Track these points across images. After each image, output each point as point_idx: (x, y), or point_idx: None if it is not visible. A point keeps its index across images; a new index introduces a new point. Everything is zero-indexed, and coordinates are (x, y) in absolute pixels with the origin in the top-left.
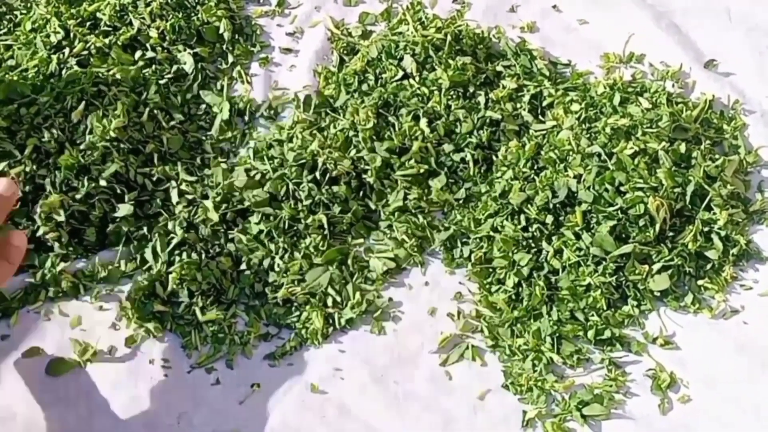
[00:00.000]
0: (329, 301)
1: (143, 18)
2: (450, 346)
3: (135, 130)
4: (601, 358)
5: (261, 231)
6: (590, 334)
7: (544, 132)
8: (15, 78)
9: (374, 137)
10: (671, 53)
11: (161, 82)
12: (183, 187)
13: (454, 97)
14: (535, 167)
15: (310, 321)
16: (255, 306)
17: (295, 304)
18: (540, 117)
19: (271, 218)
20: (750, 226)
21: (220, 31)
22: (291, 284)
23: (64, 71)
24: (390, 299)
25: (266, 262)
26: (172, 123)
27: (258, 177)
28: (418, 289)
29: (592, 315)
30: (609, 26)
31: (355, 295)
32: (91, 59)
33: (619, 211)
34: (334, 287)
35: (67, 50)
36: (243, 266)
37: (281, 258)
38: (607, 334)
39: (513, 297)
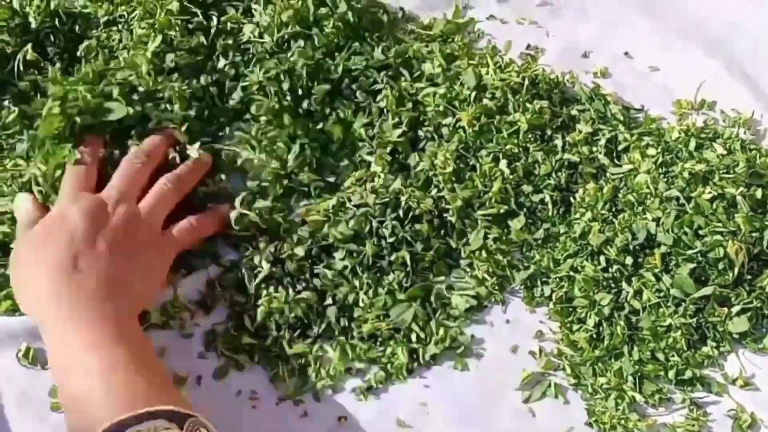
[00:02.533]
0: (413, 337)
1: None
2: (532, 384)
3: None
4: (682, 398)
5: (345, 267)
6: (671, 374)
7: (621, 175)
8: None
9: (454, 178)
10: (742, 101)
11: None
12: None
13: (532, 139)
14: (613, 209)
15: (395, 356)
16: (341, 340)
17: (380, 339)
18: (616, 160)
19: (356, 254)
20: None
21: None
22: (376, 319)
23: None
24: (472, 336)
25: (351, 298)
26: None
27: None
28: (499, 326)
29: (673, 355)
30: (680, 73)
31: (439, 331)
32: None
33: (698, 254)
34: (418, 323)
35: None
36: (328, 301)
37: (365, 293)
38: (688, 374)
39: (594, 336)
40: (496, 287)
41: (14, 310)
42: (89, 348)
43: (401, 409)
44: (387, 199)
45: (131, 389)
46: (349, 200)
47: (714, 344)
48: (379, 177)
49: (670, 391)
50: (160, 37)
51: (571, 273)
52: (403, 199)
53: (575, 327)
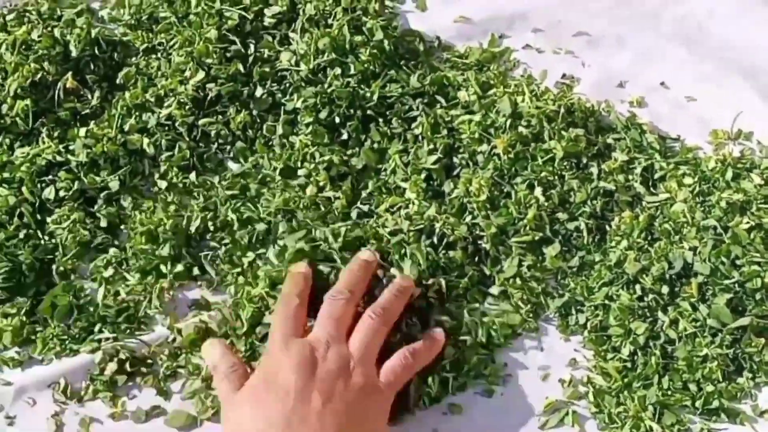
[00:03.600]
0: (447, 365)
1: None
2: (551, 411)
3: None
4: (701, 427)
5: None
6: (698, 403)
7: (658, 204)
8: None
9: (489, 205)
10: None
11: None
12: None
13: (567, 167)
14: (649, 238)
15: (427, 386)
16: None
17: None
18: (652, 189)
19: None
20: None
21: None
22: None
23: None
24: (505, 364)
25: None
26: None
27: None
28: (533, 354)
29: (708, 385)
30: (717, 103)
31: (472, 359)
32: None
33: (735, 284)
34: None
35: None
36: None
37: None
38: (716, 404)
39: (628, 366)
40: (531, 315)
41: (49, 349)
42: None
43: None
44: (421, 226)
45: None
46: (384, 227)
47: (750, 375)
48: (413, 204)
49: (690, 421)
50: (202, 73)
51: (607, 301)
52: (437, 225)
53: (609, 356)
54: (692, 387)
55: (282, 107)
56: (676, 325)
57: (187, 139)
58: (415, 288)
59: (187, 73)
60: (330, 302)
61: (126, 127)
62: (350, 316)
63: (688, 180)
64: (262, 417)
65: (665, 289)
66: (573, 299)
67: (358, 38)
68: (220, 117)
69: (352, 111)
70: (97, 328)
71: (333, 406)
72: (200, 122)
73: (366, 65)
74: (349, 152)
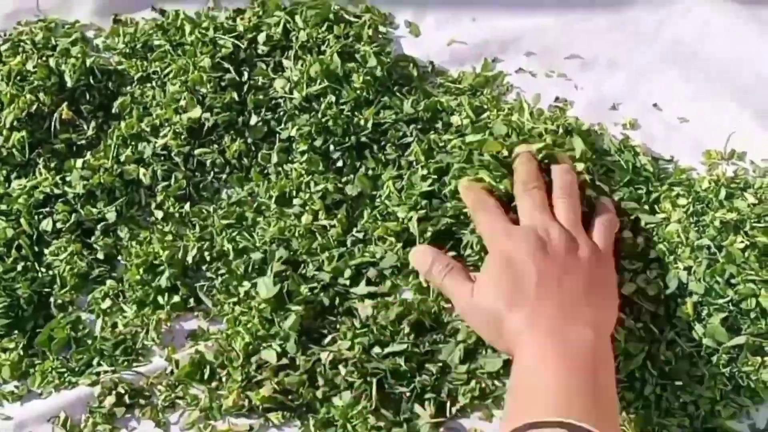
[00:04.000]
0: (444, 391)
1: None
2: None
3: None
4: None
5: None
6: (696, 423)
7: (653, 225)
8: None
9: None
10: None
11: None
12: None
13: None
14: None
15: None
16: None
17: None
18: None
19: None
20: None
21: None
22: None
23: None
24: (504, 384)
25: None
26: None
27: None
28: None
29: (706, 405)
30: (709, 124)
31: (471, 382)
32: None
33: (730, 303)
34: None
35: None
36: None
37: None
38: (714, 424)
39: (627, 387)
40: None
41: (48, 382)
42: (558, 358)
43: None
44: None
45: (581, 402)
46: (374, 256)
47: (747, 394)
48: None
49: None
50: (198, 109)
51: None
52: None
53: None
54: (690, 407)
55: (277, 135)
56: (673, 346)
57: (183, 168)
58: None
59: (182, 103)
60: (525, 195)
61: (122, 158)
62: (546, 198)
63: (681, 201)
64: (507, 296)
65: (661, 310)
66: None
67: (351, 65)
68: (215, 146)
69: (346, 138)
70: (95, 361)
71: (569, 278)
72: (196, 152)
73: (359, 92)
74: (343, 180)
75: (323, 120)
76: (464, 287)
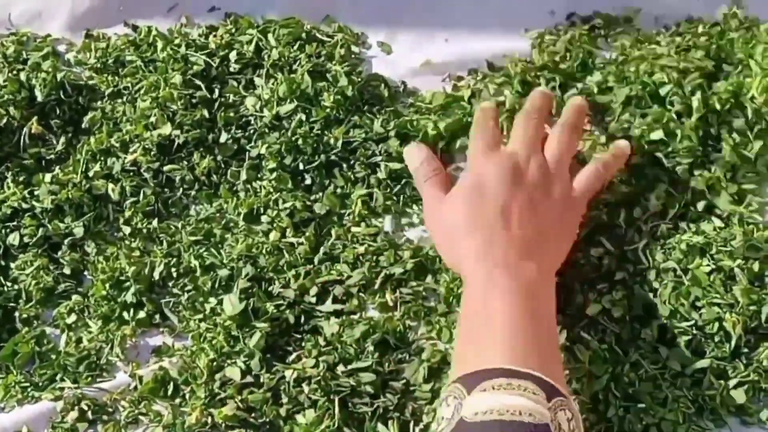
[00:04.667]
0: (408, 411)
1: None
2: None
3: None
4: None
5: None
6: None
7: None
8: None
9: None
10: None
11: None
12: None
13: None
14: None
15: None
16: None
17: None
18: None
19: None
20: None
21: None
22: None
23: None
24: None
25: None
26: None
27: None
28: None
29: (669, 427)
30: None
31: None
32: None
33: (694, 327)
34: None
35: None
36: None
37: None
38: None
39: (590, 408)
40: None
41: (11, 396)
42: (504, 294)
43: None
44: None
45: (524, 346)
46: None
47: (711, 417)
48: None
49: None
50: (168, 126)
51: (568, 343)
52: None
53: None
54: (652, 430)
55: (246, 153)
56: (637, 367)
57: (152, 184)
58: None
59: (153, 119)
60: (523, 121)
61: (91, 173)
62: (542, 132)
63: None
64: (468, 217)
65: (626, 332)
66: None
67: (322, 84)
68: (185, 162)
69: (315, 157)
70: (59, 376)
71: (534, 212)
72: (165, 168)
73: (329, 111)
74: (312, 197)
75: (293, 138)
76: (438, 197)
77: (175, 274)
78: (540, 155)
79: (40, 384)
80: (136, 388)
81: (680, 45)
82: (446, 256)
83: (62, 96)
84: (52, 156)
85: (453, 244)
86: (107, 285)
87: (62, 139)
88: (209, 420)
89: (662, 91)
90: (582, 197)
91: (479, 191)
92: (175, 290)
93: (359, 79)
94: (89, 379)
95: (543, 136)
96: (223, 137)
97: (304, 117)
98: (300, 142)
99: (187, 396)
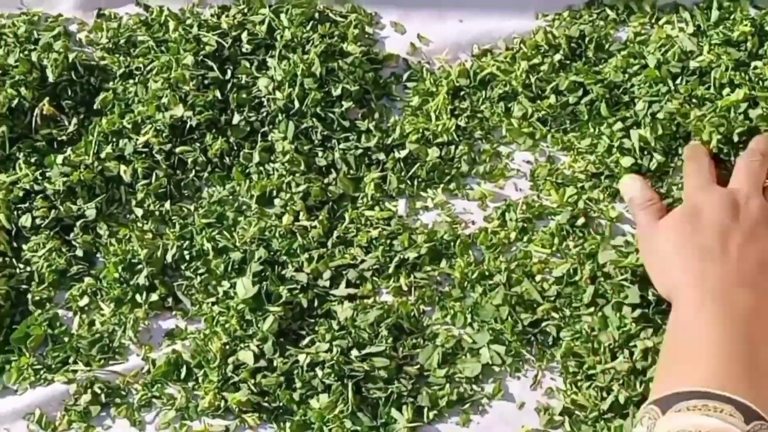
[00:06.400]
0: (422, 397)
1: None
2: None
3: None
4: None
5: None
6: None
7: None
8: None
9: None
10: None
11: None
12: None
13: None
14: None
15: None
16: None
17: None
18: None
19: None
20: None
21: None
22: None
23: None
24: (481, 388)
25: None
26: None
27: None
28: (509, 382)
29: None
30: None
31: (446, 387)
32: None
33: None
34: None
35: None
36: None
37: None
38: None
39: (604, 396)
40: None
41: (23, 379)
42: (714, 318)
43: None
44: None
45: (727, 371)
46: (355, 258)
47: None
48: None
49: None
50: (180, 108)
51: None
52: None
53: (585, 385)
54: None
55: (259, 134)
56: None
57: (164, 166)
58: None
59: (165, 100)
60: (746, 162)
61: (103, 155)
62: (764, 176)
63: None
64: (684, 244)
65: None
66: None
67: (336, 64)
68: (197, 144)
69: (330, 141)
70: (71, 359)
71: (755, 245)
72: (177, 150)
73: (344, 92)
74: (326, 181)
75: (305, 119)
76: (653, 224)
77: (187, 257)
78: (761, 197)
79: (53, 366)
80: (149, 371)
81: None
82: (658, 281)
83: (74, 76)
84: (64, 137)
85: (667, 268)
86: (120, 267)
87: (74, 120)
88: (222, 403)
89: None
90: None
91: (697, 217)
92: (187, 273)
93: (378, 58)
94: (102, 361)
95: (765, 177)
96: (236, 119)
97: (319, 97)
98: (313, 123)
99: (200, 379)
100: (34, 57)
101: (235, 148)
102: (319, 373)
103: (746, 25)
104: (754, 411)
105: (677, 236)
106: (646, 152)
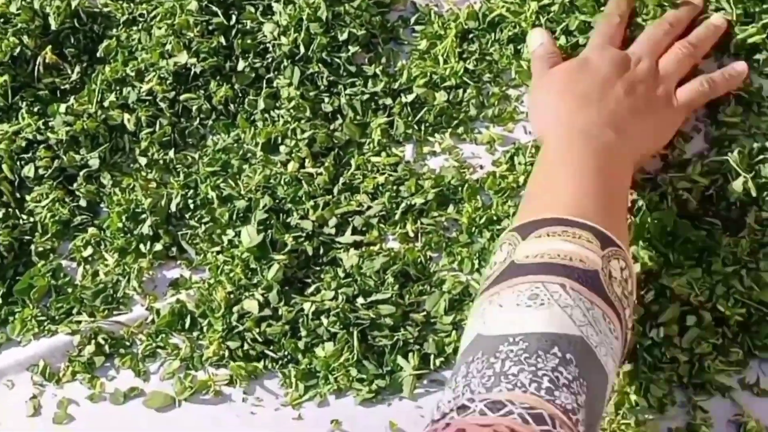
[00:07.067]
0: (429, 345)
1: None
2: None
3: None
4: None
5: None
6: (685, 379)
7: None
8: None
9: None
10: None
11: None
12: None
13: None
14: None
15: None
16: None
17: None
18: None
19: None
20: None
21: None
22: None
23: None
24: None
25: None
26: None
27: None
28: None
29: (696, 358)
30: None
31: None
32: None
33: None
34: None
35: None
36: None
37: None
38: (705, 377)
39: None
40: None
41: (27, 330)
42: (579, 153)
43: (400, 417)
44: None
45: (586, 200)
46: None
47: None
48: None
49: (676, 395)
50: (184, 55)
51: None
52: None
53: None
54: (682, 356)
55: (264, 81)
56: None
57: (168, 114)
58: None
59: (169, 47)
60: (651, 29)
61: (106, 103)
62: (666, 44)
63: None
64: (564, 89)
65: None
66: None
67: (342, 8)
68: (201, 92)
69: (336, 86)
70: (75, 310)
71: (632, 99)
72: (181, 97)
73: (350, 36)
74: (331, 127)
75: (312, 66)
76: (544, 70)
77: (192, 206)
78: (653, 62)
79: (57, 318)
80: (153, 321)
81: None
82: (534, 121)
83: (77, 24)
84: (67, 86)
85: (545, 109)
86: (123, 217)
87: (77, 69)
88: (227, 353)
89: None
90: (682, 107)
91: (583, 66)
92: (192, 222)
93: (384, 2)
94: (106, 312)
95: (665, 46)
96: (241, 65)
97: (325, 41)
98: (319, 69)
99: (204, 329)
100: (36, 4)
101: (240, 95)
102: (325, 321)
103: None
104: (609, 237)
105: (561, 81)
106: None
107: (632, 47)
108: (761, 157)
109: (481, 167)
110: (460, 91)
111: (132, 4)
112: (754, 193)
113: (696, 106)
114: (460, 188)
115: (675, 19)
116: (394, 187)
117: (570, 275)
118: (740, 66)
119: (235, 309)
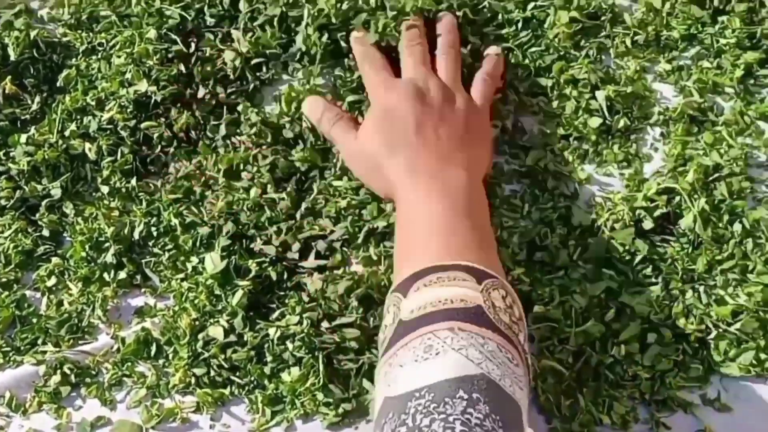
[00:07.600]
0: None
1: None
2: None
3: None
4: (648, 416)
5: None
6: (647, 396)
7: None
8: None
9: None
10: None
11: None
12: None
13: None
14: None
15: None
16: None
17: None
18: None
19: None
20: None
21: None
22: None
23: None
24: None
25: None
26: None
27: None
28: None
29: (658, 374)
30: None
31: None
32: None
33: None
34: None
35: None
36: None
37: None
38: (667, 394)
39: (571, 361)
40: None
41: None
42: (431, 198)
43: None
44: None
45: (452, 242)
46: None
47: (698, 365)
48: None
49: (639, 411)
50: (144, 83)
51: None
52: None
53: (558, 349)
54: (644, 374)
55: (224, 107)
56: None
57: (130, 142)
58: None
59: (128, 75)
60: (409, 50)
61: (67, 133)
62: (428, 55)
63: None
64: (386, 143)
65: None
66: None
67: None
68: (162, 119)
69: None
70: (40, 340)
71: (445, 125)
72: (142, 125)
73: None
74: (293, 152)
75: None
76: (350, 134)
77: (155, 234)
78: (435, 77)
79: (22, 348)
80: (118, 349)
81: None
82: (375, 185)
83: (36, 54)
84: (27, 116)
85: (378, 171)
86: (87, 246)
87: (37, 99)
88: (193, 380)
89: None
90: (484, 104)
91: (389, 116)
92: (155, 250)
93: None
94: (71, 341)
95: (430, 60)
96: (201, 92)
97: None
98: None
99: (170, 356)
100: None
101: (201, 122)
102: (290, 346)
103: None
104: (483, 271)
105: (379, 138)
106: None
107: (405, 75)
108: (716, 175)
109: None
110: None
111: (91, 34)
112: (709, 211)
113: (491, 100)
114: None
115: (418, 33)
116: (357, 211)
117: (455, 317)
118: (492, 49)
119: (200, 336)
